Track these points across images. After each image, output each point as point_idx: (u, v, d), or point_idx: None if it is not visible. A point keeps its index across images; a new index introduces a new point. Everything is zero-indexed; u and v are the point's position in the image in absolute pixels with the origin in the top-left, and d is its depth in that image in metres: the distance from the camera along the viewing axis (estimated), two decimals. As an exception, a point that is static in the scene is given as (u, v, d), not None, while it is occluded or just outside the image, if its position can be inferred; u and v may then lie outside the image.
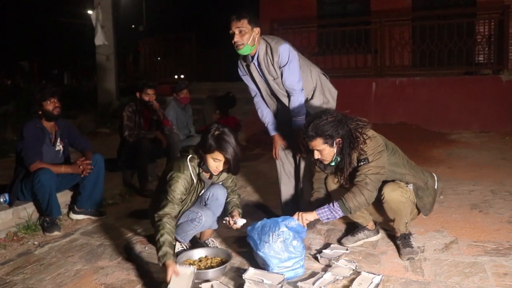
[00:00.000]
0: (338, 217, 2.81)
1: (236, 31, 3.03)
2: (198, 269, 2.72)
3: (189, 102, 6.23)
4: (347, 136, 2.78)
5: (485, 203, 3.97)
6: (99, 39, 10.07)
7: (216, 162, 2.75)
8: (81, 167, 3.77)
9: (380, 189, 2.86)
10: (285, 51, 3.11)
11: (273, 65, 3.15)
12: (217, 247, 3.13)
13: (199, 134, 6.24)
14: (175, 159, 2.89)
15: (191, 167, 2.82)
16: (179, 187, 2.75)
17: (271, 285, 2.47)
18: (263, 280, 2.50)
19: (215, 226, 3.10)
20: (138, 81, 8.60)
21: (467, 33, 8.12)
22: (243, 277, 2.54)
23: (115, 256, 3.15)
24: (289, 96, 3.27)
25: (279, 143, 3.44)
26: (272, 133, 3.42)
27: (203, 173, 2.89)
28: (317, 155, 2.84)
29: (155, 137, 4.99)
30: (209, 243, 3.16)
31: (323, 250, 3.01)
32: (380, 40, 8.70)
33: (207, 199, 3.02)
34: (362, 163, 2.80)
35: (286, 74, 3.15)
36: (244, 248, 3.11)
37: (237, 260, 2.97)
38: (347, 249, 3.03)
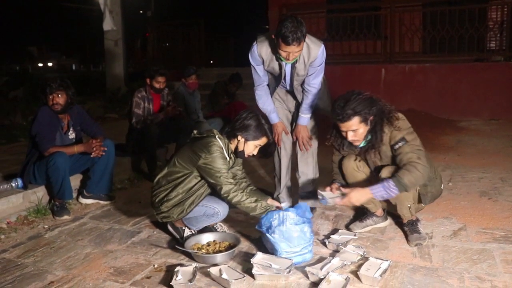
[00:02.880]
0: (393, 195, 2.74)
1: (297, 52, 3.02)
2: (206, 253, 2.76)
3: (197, 88, 6.24)
4: (379, 113, 2.80)
5: (494, 190, 3.95)
6: (107, 24, 10.04)
7: (257, 147, 2.95)
8: (94, 148, 3.78)
9: (378, 172, 2.88)
10: (323, 52, 3.17)
11: (305, 63, 3.19)
12: (225, 231, 3.15)
13: (207, 119, 6.26)
14: (203, 142, 2.90)
15: (223, 145, 2.89)
16: (219, 162, 2.82)
17: (279, 270, 2.48)
18: (271, 265, 2.51)
19: (229, 209, 3.10)
20: (147, 66, 8.59)
21: (479, 19, 8.00)
22: (251, 262, 2.55)
23: (124, 240, 3.18)
24: (303, 93, 3.38)
25: (281, 130, 3.48)
26: (276, 120, 3.42)
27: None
28: (351, 136, 2.82)
29: (164, 120, 5.01)
30: (218, 228, 3.18)
31: (331, 236, 3.02)
32: (390, 26, 8.59)
33: None
34: (400, 143, 2.77)
35: (315, 74, 3.24)
36: (252, 233, 3.13)
37: (245, 245, 2.99)
38: (355, 235, 3.03)
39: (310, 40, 3.11)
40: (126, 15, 10.67)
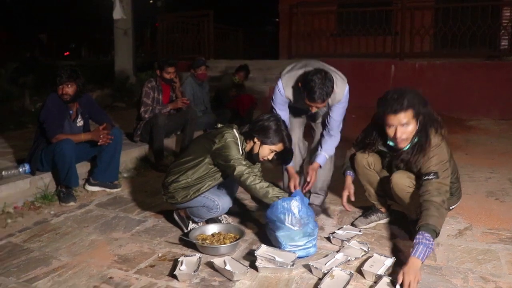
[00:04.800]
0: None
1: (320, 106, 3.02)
2: (210, 244, 2.77)
3: (206, 79, 6.24)
4: (428, 115, 2.64)
5: (502, 191, 3.92)
6: (117, 13, 10.02)
7: (272, 152, 2.93)
8: (101, 136, 3.80)
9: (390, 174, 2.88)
10: (347, 93, 3.13)
11: (329, 105, 3.16)
12: (230, 223, 3.17)
13: (215, 111, 6.27)
14: (218, 130, 2.93)
15: (238, 138, 2.90)
16: (233, 148, 2.82)
17: (283, 263, 2.48)
18: (275, 258, 2.52)
19: (231, 205, 3.13)
20: (156, 56, 8.58)
21: (492, 17, 7.92)
22: (255, 254, 2.56)
23: (129, 228, 3.20)
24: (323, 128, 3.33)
25: (292, 173, 3.23)
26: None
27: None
28: (400, 132, 2.60)
29: (172, 111, 5.05)
30: (222, 220, 3.21)
31: (336, 231, 3.02)
32: (401, 22, 8.54)
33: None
34: (431, 177, 2.59)
35: (336, 112, 3.18)
36: (256, 225, 3.14)
37: (249, 237, 3.00)
38: (359, 231, 3.03)
39: (335, 85, 3.00)
40: (136, 4, 10.64)
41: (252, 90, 7.73)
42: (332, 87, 2.92)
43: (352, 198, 3.06)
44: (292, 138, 3.08)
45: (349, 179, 3.11)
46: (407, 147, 2.71)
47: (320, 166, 3.24)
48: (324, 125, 3.30)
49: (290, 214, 2.64)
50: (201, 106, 6.09)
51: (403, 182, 2.81)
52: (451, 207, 3.00)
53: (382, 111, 2.63)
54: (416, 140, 2.68)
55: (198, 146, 2.98)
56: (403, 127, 2.59)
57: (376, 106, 2.69)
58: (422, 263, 2.30)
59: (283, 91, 3.13)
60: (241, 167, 2.76)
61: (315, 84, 2.84)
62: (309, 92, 2.88)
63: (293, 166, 3.27)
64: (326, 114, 3.26)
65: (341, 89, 3.08)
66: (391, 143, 2.76)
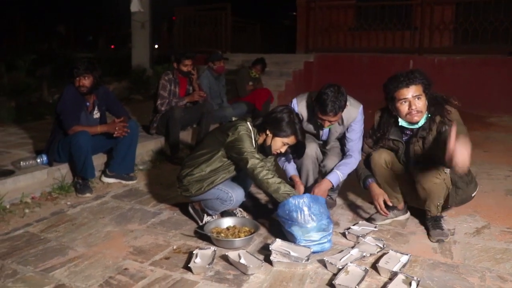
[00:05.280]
0: None
1: (333, 120, 3.04)
2: (225, 237, 2.79)
3: (223, 72, 6.25)
4: (435, 93, 2.80)
5: (521, 190, 3.86)
6: (135, 5, 10.06)
7: (285, 145, 2.91)
8: (117, 128, 3.83)
9: (415, 164, 2.87)
10: (361, 114, 3.19)
11: (343, 125, 3.20)
12: (245, 217, 3.19)
13: (232, 104, 6.27)
14: (232, 123, 2.95)
15: (252, 130, 2.91)
16: (247, 140, 2.83)
17: (298, 258, 2.49)
18: (289, 252, 2.52)
19: (244, 199, 3.15)
20: (173, 49, 8.60)
21: (515, 12, 7.77)
22: (270, 248, 2.57)
23: (144, 220, 3.24)
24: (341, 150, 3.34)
25: (298, 183, 3.21)
26: (291, 172, 3.26)
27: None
28: (414, 104, 2.73)
29: (188, 104, 5.09)
30: (237, 213, 3.22)
31: (351, 227, 3.01)
32: (421, 17, 8.43)
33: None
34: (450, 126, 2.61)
35: (353, 131, 3.21)
36: (271, 220, 3.14)
37: (264, 231, 3.01)
38: (375, 227, 3.02)
39: (349, 102, 3.06)
40: (153, -3, 10.67)
41: (269, 84, 7.72)
42: (345, 102, 2.96)
43: (389, 203, 3.06)
44: (308, 150, 3.14)
45: (375, 186, 3.08)
46: (422, 121, 2.80)
47: (333, 187, 3.21)
48: (341, 150, 3.34)
49: (301, 212, 2.67)
50: (217, 99, 6.10)
51: (429, 173, 2.79)
52: (472, 195, 2.99)
53: (393, 88, 2.76)
54: (428, 115, 2.79)
55: (212, 139, 3.00)
56: (416, 100, 2.72)
57: (384, 90, 2.82)
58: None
59: (297, 107, 3.18)
60: (254, 160, 2.76)
61: (328, 96, 2.90)
62: (321, 105, 2.93)
63: (297, 175, 3.27)
64: (339, 139, 3.31)
65: (355, 107, 3.15)
66: (404, 124, 2.84)
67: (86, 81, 3.75)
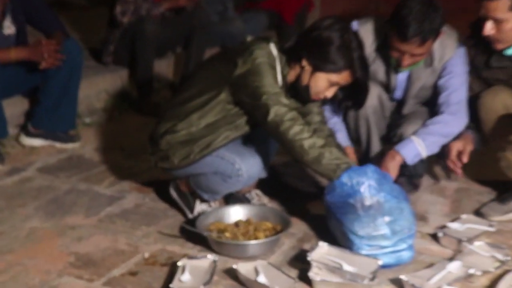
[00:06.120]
0: None
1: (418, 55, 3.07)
2: (232, 238, 2.81)
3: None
4: None
5: None
6: None
7: (332, 86, 2.89)
8: (45, 54, 3.75)
9: None
10: (463, 49, 3.24)
11: (433, 68, 3.24)
12: (265, 205, 3.22)
13: (242, 13, 6.20)
14: (244, 46, 2.95)
15: (277, 58, 2.90)
16: (267, 72, 2.82)
17: (356, 276, 2.47)
18: (341, 266, 2.51)
19: (264, 175, 3.15)
20: None
21: None
22: (308, 258, 2.52)
23: (94, 210, 3.26)
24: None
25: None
26: (344, 143, 3.30)
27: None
28: (489, 28, 2.88)
29: (168, 13, 5.07)
30: (253, 198, 3.25)
31: (448, 224, 3.00)
32: None
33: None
34: None
35: (450, 78, 3.21)
36: (310, 210, 3.15)
37: (298, 229, 3.02)
38: (491, 225, 3.01)
39: (445, 28, 3.11)
40: None
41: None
42: (440, 24, 2.99)
43: (465, 159, 3.09)
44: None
45: (469, 137, 3.13)
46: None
47: (405, 163, 3.20)
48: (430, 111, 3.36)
49: (363, 196, 2.67)
50: (217, 5, 6.01)
51: None
52: None
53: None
54: None
55: (209, 73, 2.99)
56: (495, 21, 2.90)
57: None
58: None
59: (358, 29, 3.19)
60: (279, 108, 2.75)
61: (411, 11, 2.92)
62: (400, 25, 2.95)
63: (351, 145, 3.32)
64: (426, 98, 3.32)
65: (453, 38, 3.21)
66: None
67: None
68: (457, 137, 3.17)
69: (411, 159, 3.15)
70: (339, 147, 3.08)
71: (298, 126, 2.73)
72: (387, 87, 3.31)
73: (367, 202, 2.66)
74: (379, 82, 3.30)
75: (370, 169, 2.73)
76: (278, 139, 2.84)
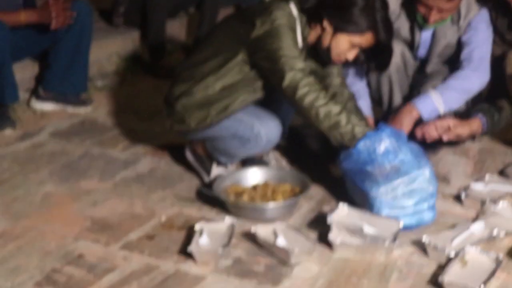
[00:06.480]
0: None
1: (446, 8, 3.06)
2: (250, 201, 2.82)
3: None
4: None
5: None
6: None
7: (354, 48, 2.85)
8: (54, 13, 3.71)
9: None
10: (484, 11, 3.25)
11: (458, 25, 3.24)
12: (283, 167, 3.24)
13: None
14: (262, 6, 2.91)
15: (297, 18, 2.85)
16: (286, 34, 2.77)
17: (376, 237, 2.48)
18: (362, 229, 2.51)
19: (279, 136, 3.10)
20: None
21: None
22: (328, 221, 2.54)
23: (109, 174, 3.28)
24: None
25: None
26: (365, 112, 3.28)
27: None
28: None
29: None
30: (270, 160, 3.25)
31: (471, 185, 2.98)
32: None
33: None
34: None
35: (473, 35, 3.22)
36: (330, 171, 3.18)
37: (317, 191, 3.02)
38: (515, 185, 3.00)
39: None
40: None
41: None
42: None
43: (445, 138, 3.10)
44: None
45: (476, 121, 3.14)
46: None
47: (421, 119, 3.17)
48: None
49: (380, 163, 2.67)
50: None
51: None
52: None
53: None
54: None
55: (226, 33, 2.96)
56: None
57: None
58: None
59: None
60: (295, 74, 2.72)
61: None
62: None
63: (372, 116, 3.31)
64: (449, 58, 3.35)
65: (474, 0, 3.25)
66: None
67: None
68: (464, 118, 3.16)
69: (427, 114, 3.13)
70: (358, 112, 3.09)
71: (313, 93, 2.70)
72: (411, 45, 3.30)
73: (386, 169, 2.65)
74: (402, 40, 3.28)
75: (386, 132, 2.71)
76: (293, 105, 2.83)
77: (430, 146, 3.15)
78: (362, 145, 2.67)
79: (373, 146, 2.67)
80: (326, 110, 2.69)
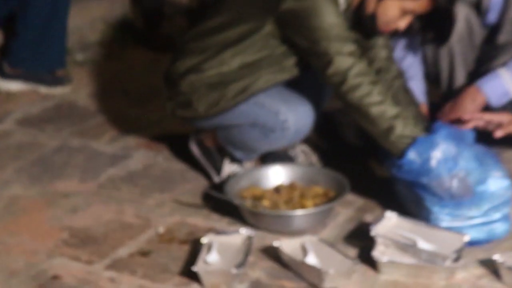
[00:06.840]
0: None
1: None
2: (272, 208, 2.64)
3: None
4: None
5: None
6: None
7: (406, 14, 2.61)
8: None
9: None
10: None
11: None
12: (314, 165, 3.07)
13: None
14: None
15: None
16: (329, 7, 2.54)
17: (434, 255, 2.27)
18: (415, 243, 2.31)
19: (311, 124, 2.88)
20: None
21: None
22: (372, 234, 2.35)
23: (92, 173, 3.11)
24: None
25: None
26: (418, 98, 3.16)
27: None
28: None
29: None
30: (298, 156, 3.06)
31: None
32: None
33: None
34: None
35: None
36: (373, 170, 3.09)
37: (357, 195, 2.85)
38: None
39: None
40: None
41: None
42: None
43: (498, 134, 2.88)
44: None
45: None
46: None
47: (489, 104, 2.93)
48: None
49: (437, 175, 2.45)
50: None
51: None
52: None
53: None
54: None
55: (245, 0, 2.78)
56: None
57: None
58: None
59: None
60: (343, 60, 2.51)
61: None
62: None
63: (426, 103, 3.12)
64: None
65: None
66: None
67: None
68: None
69: (496, 99, 2.86)
70: (407, 95, 2.91)
71: (366, 86, 2.52)
72: (478, 8, 3.05)
73: (445, 182, 2.44)
74: (467, 1, 3.03)
75: (440, 135, 2.51)
76: (339, 96, 2.61)
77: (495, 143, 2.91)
78: (412, 155, 2.46)
79: (427, 154, 2.46)
80: (379, 111, 2.53)
